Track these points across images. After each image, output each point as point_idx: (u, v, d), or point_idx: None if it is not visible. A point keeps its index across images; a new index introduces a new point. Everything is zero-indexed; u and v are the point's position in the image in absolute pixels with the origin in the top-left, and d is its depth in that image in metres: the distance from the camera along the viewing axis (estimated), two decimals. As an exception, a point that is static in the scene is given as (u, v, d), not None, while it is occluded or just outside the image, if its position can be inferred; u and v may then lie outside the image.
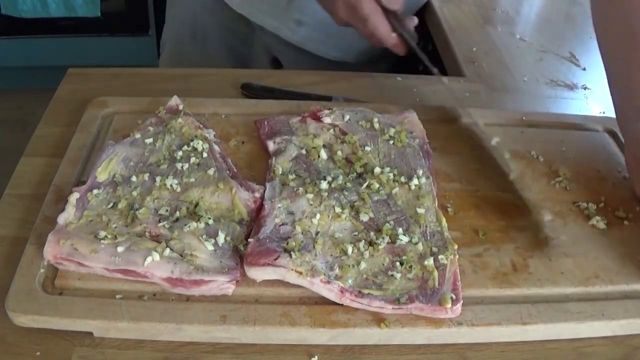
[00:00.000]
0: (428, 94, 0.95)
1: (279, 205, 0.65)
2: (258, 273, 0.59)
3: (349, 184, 0.69)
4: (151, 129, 0.76)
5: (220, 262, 0.60)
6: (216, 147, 0.74)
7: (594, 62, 1.11)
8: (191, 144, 0.73)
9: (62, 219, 0.62)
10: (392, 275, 0.60)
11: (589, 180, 0.77)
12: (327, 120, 0.78)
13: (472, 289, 0.62)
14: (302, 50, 1.12)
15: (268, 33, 1.12)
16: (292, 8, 1.07)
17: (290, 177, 0.70)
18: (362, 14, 0.83)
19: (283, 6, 1.07)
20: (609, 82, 0.79)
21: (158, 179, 0.68)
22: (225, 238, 0.62)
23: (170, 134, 0.74)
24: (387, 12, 0.84)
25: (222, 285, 0.59)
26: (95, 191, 0.66)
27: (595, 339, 0.61)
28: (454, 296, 0.58)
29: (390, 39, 0.85)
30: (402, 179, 0.70)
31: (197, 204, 0.65)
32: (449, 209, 0.71)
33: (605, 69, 0.79)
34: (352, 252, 0.61)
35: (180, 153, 0.72)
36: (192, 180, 0.68)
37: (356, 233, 0.64)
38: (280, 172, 0.70)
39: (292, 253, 0.59)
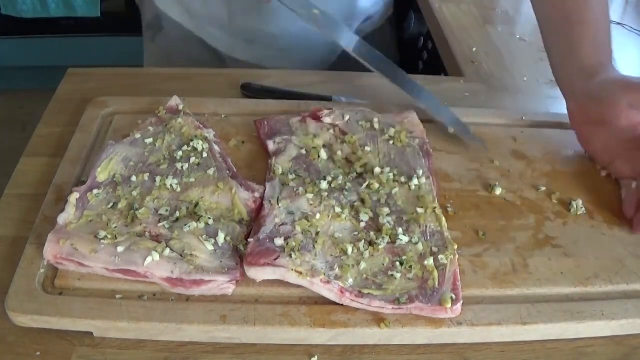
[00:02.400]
0: (428, 94, 0.95)
1: (279, 205, 0.65)
2: (258, 273, 0.59)
3: (349, 184, 0.69)
4: (151, 129, 0.76)
5: (220, 262, 0.60)
6: (216, 147, 0.74)
7: (594, 62, 1.11)
8: (191, 144, 0.73)
9: (62, 219, 0.62)
10: (392, 275, 0.60)
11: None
12: (327, 120, 0.78)
13: (472, 289, 0.62)
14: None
15: (238, 63, 1.12)
16: (235, 27, 1.08)
17: (290, 177, 0.70)
18: None
19: (225, 23, 1.08)
20: (546, 42, 0.83)
21: (158, 179, 0.68)
22: (225, 238, 0.62)
23: (170, 134, 0.74)
24: None
25: (222, 285, 0.59)
26: (95, 191, 0.66)
27: (595, 339, 0.61)
28: (454, 296, 0.58)
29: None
30: (402, 179, 0.70)
31: (197, 204, 0.65)
32: (449, 209, 0.71)
33: (542, 29, 0.83)
34: (352, 252, 0.61)
35: (180, 153, 0.72)
36: (192, 180, 0.68)
37: (356, 233, 0.64)
38: (280, 172, 0.70)
39: (292, 253, 0.59)
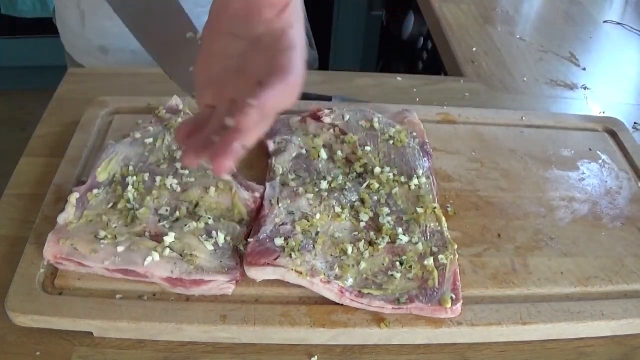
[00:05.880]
0: (428, 94, 0.95)
1: (279, 205, 0.65)
2: (258, 273, 0.59)
3: (349, 184, 0.69)
4: (151, 129, 0.76)
5: (220, 262, 0.60)
6: (216, 147, 0.74)
7: (594, 62, 1.11)
8: (191, 144, 0.73)
9: (62, 219, 0.62)
10: (392, 275, 0.60)
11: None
12: (327, 120, 0.78)
13: (472, 289, 0.62)
14: None
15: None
16: (87, 32, 1.01)
17: (290, 177, 0.70)
18: None
19: (78, 32, 1.01)
20: None
21: (158, 179, 0.68)
22: (225, 238, 0.62)
23: (170, 133, 0.74)
24: None
25: (222, 285, 0.59)
26: (95, 191, 0.66)
27: (595, 339, 0.61)
28: (454, 296, 0.58)
29: None
30: (402, 179, 0.70)
31: (197, 204, 0.65)
32: (449, 209, 0.71)
33: None
34: (352, 252, 0.61)
35: (180, 153, 0.72)
36: (192, 180, 0.68)
37: (356, 233, 0.64)
38: (280, 172, 0.70)
39: (292, 253, 0.59)
